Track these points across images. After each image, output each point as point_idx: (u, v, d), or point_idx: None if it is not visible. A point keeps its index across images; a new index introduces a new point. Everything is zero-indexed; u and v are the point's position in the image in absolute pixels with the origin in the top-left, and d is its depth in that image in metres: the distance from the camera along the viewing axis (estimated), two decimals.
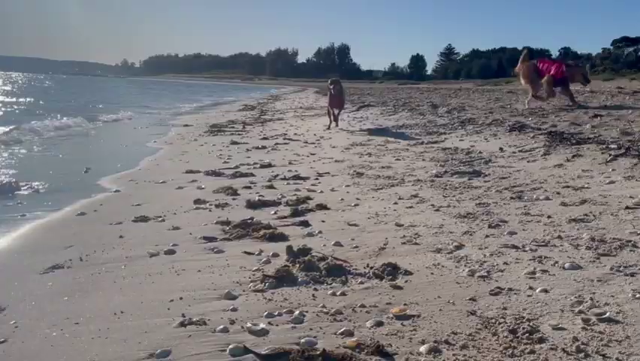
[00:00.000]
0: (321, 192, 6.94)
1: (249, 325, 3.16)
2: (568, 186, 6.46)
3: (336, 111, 15.54)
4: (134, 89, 66.00)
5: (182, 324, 3.20)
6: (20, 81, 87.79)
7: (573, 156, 8.12)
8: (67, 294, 3.75)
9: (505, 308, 3.29)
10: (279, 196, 6.62)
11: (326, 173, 8.28)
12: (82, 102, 33.71)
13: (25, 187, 7.43)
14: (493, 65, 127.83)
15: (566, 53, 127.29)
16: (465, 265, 4.06)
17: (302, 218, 5.60)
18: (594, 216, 5.20)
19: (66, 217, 5.99)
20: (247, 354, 2.84)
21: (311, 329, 3.11)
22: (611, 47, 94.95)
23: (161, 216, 5.78)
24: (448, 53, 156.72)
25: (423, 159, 9.21)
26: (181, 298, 3.60)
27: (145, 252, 4.60)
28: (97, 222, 5.68)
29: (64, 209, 6.36)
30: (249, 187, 7.31)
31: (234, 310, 3.40)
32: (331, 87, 15.13)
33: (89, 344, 3.02)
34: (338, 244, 4.68)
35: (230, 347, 2.89)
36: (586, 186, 6.43)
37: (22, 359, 2.88)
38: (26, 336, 3.15)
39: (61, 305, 3.58)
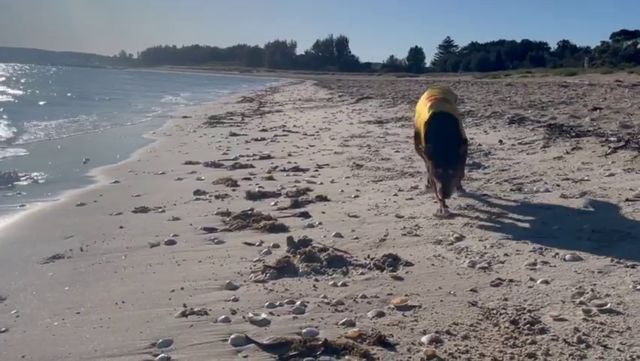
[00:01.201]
0: (321, 183, 6.94)
1: (250, 315, 3.16)
2: (568, 179, 6.47)
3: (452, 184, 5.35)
4: (150, 82, 65.84)
5: (184, 314, 3.20)
6: (21, 72, 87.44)
7: (573, 149, 8.13)
8: (68, 284, 3.75)
9: (506, 299, 3.30)
10: (279, 188, 6.62)
11: (325, 165, 8.28)
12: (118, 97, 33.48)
13: (24, 178, 7.42)
14: (492, 58, 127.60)
15: (565, 46, 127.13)
16: (465, 257, 4.07)
17: (302, 209, 5.60)
18: (594, 208, 5.20)
19: (66, 208, 5.98)
20: (249, 344, 2.84)
21: (312, 320, 3.12)
22: (610, 40, 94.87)
23: (161, 207, 5.77)
24: (447, 46, 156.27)
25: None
26: (182, 289, 3.60)
27: (145, 242, 4.60)
28: (97, 213, 5.67)
29: (63, 200, 6.36)
30: (249, 178, 7.30)
31: (235, 300, 3.40)
32: (433, 113, 5.55)
33: (91, 333, 3.02)
34: (338, 235, 4.68)
35: (232, 336, 2.89)
36: (586, 178, 6.43)
37: (23, 348, 2.88)
38: (27, 326, 3.15)
39: (62, 295, 3.58)
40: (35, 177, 7.50)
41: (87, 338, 2.97)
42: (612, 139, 8.29)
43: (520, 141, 9.35)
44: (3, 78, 53.68)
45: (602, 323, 2.94)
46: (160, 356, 2.74)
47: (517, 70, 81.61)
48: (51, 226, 5.28)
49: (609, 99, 15.40)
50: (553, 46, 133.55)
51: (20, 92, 33.61)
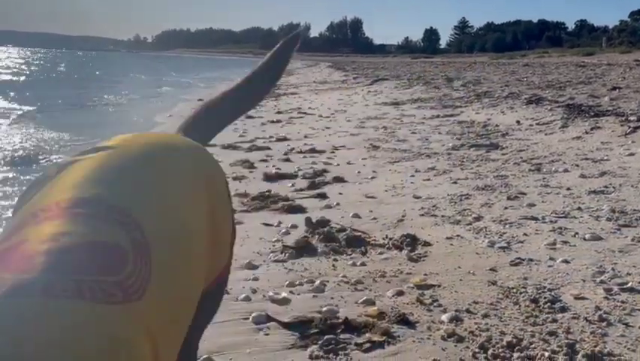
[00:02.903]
0: (338, 165, 6.94)
1: (270, 294, 3.18)
2: (587, 159, 6.42)
3: None
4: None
5: None
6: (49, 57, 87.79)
7: (592, 128, 8.05)
8: None
9: (525, 278, 3.30)
10: (296, 169, 6.63)
11: (342, 146, 8.27)
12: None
13: (43, 160, 7.49)
14: (508, 39, 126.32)
15: (582, 25, 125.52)
16: (484, 237, 4.06)
17: (319, 190, 5.61)
18: (614, 187, 5.17)
19: None
20: (270, 322, 2.86)
21: (332, 298, 3.14)
22: (629, 19, 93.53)
23: None
24: (462, 27, 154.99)
25: (439, 133, 9.17)
26: None
27: None
28: None
29: None
30: (266, 160, 7.31)
31: (256, 279, 3.43)
32: None
33: None
34: (356, 215, 4.69)
35: (254, 315, 2.91)
36: (605, 158, 6.38)
37: None
38: None
39: None
40: (55, 160, 7.55)
41: None
42: (632, 118, 8.19)
43: (537, 122, 9.28)
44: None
45: (623, 302, 2.93)
46: None
47: (533, 50, 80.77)
48: None
49: (628, 78, 15.21)
50: (570, 25, 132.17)
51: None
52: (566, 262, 3.52)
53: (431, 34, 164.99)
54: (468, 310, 2.92)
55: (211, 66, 63.15)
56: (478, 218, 4.49)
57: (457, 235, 4.13)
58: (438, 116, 11.16)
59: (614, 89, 12.19)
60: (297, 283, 3.35)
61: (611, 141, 7.22)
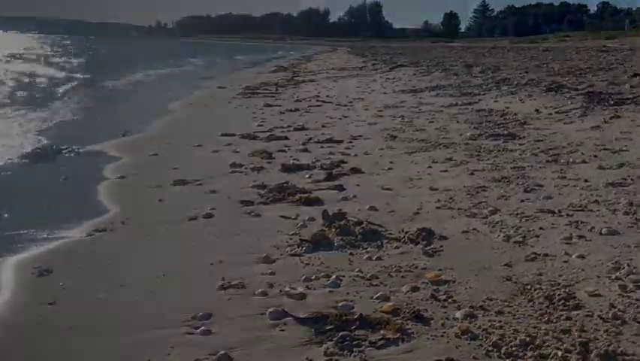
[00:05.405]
0: (355, 155, 6.96)
1: (287, 289, 3.24)
2: (606, 149, 6.37)
3: None
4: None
5: (223, 287, 3.30)
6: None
7: (611, 118, 7.97)
8: (111, 257, 3.88)
9: (540, 274, 3.31)
10: (314, 160, 6.66)
11: (359, 136, 8.27)
12: None
13: (65, 150, 7.58)
14: (529, 22, 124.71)
15: (605, 7, 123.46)
16: (500, 230, 4.07)
17: (337, 182, 5.64)
18: (632, 180, 5.13)
19: (106, 181, 6.11)
20: (286, 317, 2.92)
21: (347, 294, 3.18)
22: None
23: (198, 180, 5.86)
24: (483, 10, 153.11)
25: (457, 121, 9.12)
26: (221, 262, 3.70)
27: (184, 215, 4.70)
28: (136, 186, 5.81)
29: (103, 172, 6.48)
30: (284, 150, 7.35)
31: (272, 273, 3.48)
32: None
33: (134, 306, 3.14)
34: (373, 208, 4.72)
35: (270, 310, 2.97)
36: (624, 148, 6.33)
37: (70, 319, 3.00)
38: (73, 298, 3.28)
39: (105, 268, 3.71)
40: (76, 150, 7.64)
41: (131, 310, 3.09)
42: None
43: (557, 110, 9.19)
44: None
45: (638, 299, 2.94)
46: (201, 328, 2.84)
47: (554, 34, 79.68)
48: (92, 198, 5.42)
49: None
50: (592, 8, 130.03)
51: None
52: (582, 257, 3.52)
53: (451, 18, 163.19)
54: (482, 307, 2.95)
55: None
56: (495, 211, 4.49)
57: (473, 229, 4.15)
58: (456, 105, 11.08)
59: (636, 75, 12.02)
60: (313, 277, 3.40)
61: (630, 131, 7.14)
